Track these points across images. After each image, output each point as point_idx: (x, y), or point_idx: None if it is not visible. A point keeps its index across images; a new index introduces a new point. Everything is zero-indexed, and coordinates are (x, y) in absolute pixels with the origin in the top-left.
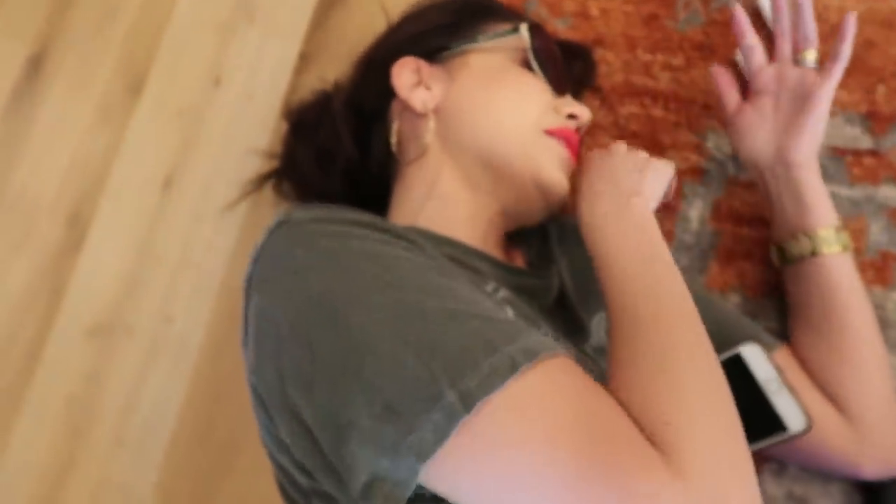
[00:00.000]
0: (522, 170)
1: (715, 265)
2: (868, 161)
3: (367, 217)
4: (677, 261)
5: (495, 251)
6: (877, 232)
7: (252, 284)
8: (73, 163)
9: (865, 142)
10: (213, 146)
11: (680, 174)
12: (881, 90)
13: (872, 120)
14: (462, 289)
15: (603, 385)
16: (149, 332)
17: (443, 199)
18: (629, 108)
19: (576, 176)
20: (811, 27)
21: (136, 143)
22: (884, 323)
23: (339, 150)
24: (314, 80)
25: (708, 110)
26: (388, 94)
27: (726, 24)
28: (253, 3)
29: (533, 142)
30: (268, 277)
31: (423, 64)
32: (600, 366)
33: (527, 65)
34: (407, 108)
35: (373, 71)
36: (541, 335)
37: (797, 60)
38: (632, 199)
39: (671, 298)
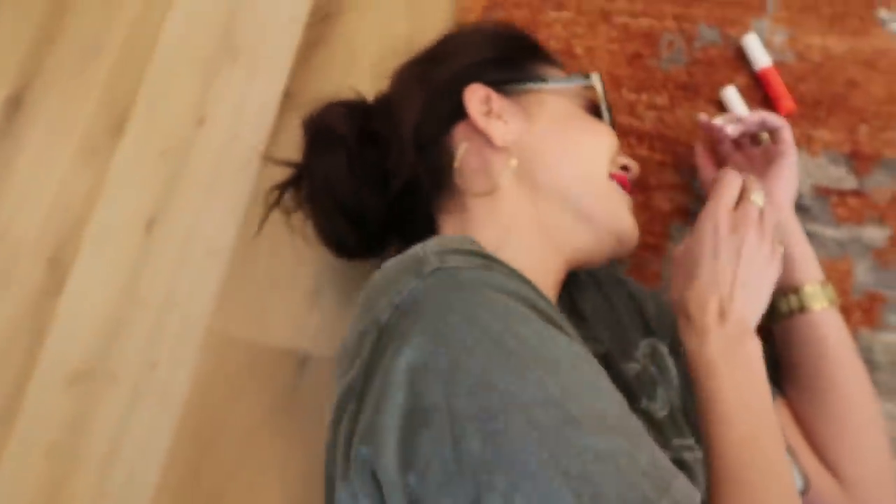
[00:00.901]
0: (601, 215)
1: None
2: (852, 201)
3: (518, 285)
4: (666, 301)
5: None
6: (862, 272)
7: (397, 336)
8: (54, 204)
9: (849, 182)
10: (198, 187)
11: (666, 215)
12: (863, 130)
13: (856, 160)
14: (609, 392)
15: None
16: (132, 379)
17: (519, 244)
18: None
19: (683, 259)
20: (757, 124)
21: (119, 184)
22: (872, 366)
23: (400, 171)
24: (298, 119)
25: (693, 150)
26: (452, 119)
27: (709, 64)
28: (236, 43)
29: (604, 184)
30: (426, 340)
31: (493, 94)
32: (658, 428)
33: (592, 111)
34: (475, 136)
35: (437, 93)
36: (684, 479)
37: (758, 140)
38: (746, 342)
39: (768, 453)
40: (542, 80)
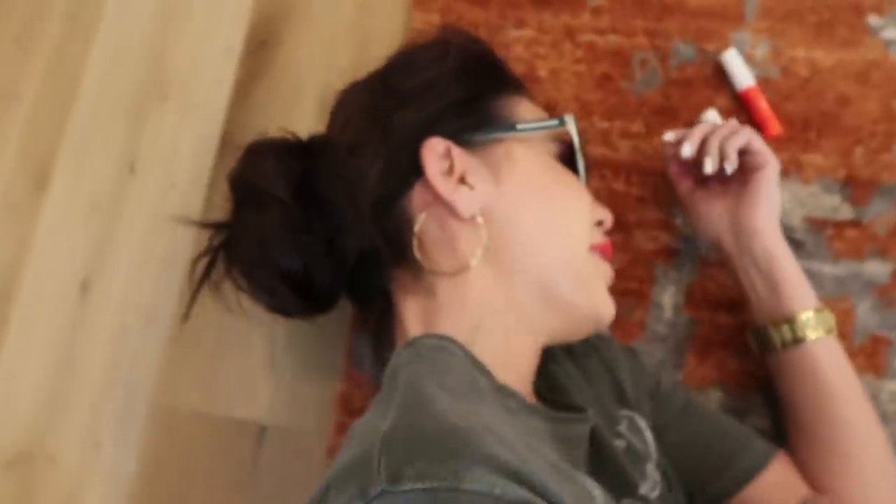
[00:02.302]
0: (576, 297)
1: (692, 358)
2: (850, 233)
3: (505, 468)
4: (650, 353)
5: (528, 393)
6: (865, 313)
7: None
8: None
9: (846, 211)
10: (133, 243)
11: (650, 256)
12: (859, 152)
13: (852, 186)
14: None
15: None
16: (75, 461)
17: (491, 330)
18: (589, 184)
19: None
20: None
21: (47, 244)
22: (879, 416)
23: (354, 241)
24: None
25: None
26: (409, 177)
27: (687, 84)
28: (166, 79)
29: (583, 262)
30: None
31: (453, 148)
32: None
33: (562, 158)
34: (436, 201)
35: (396, 147)
36: None
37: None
38: None
39: None
40: (511, 125)
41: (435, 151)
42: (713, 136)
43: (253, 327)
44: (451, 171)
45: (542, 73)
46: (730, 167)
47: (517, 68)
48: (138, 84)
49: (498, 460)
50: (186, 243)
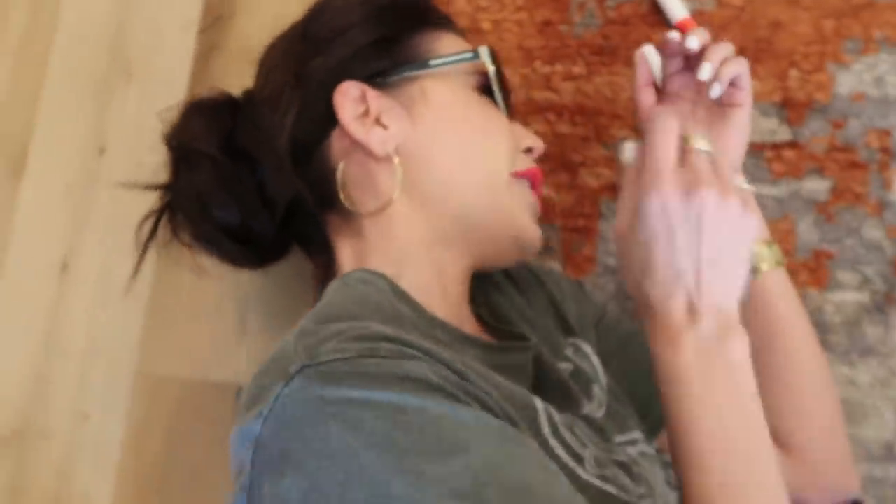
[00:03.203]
0: (497, 224)
1: None
2: (788, 154)
3: (411, 346)
4: (603, 287)
5: (467, 318)
6: (806, 230)
7: (273, 459)
8: None
9: (783, 133)
10: (106, 222)
11: (595, 192)
12: (794, 74)
13: (788, 108)
14: (528, 461)
15: None
16: (64, 435)
17: (417, 262)
18: (534, 127)
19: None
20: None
21: (26, 227)
22: (823, 328)
23: (280, 192)
24: None
25: (617, 120)
26: (327, 124)
27: (624, 23)
28: (128, 59)
29: (504, 190)
30: (307, 462)
31: (368, 90)
32: (600, 430)
33: (483, 90)
34: (354, 145)
35: (310, 96)
36: None
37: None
38: (727, 339)
39: (756, 470)
40: (424, 62)
41: (349, 95)
42: (714, 51)
43: (225, 293)
44: (366, 113)
45: (485, 25)
46: (717, 91)
47: (461, 22)
48: (102, 65)
49: (407, 339)
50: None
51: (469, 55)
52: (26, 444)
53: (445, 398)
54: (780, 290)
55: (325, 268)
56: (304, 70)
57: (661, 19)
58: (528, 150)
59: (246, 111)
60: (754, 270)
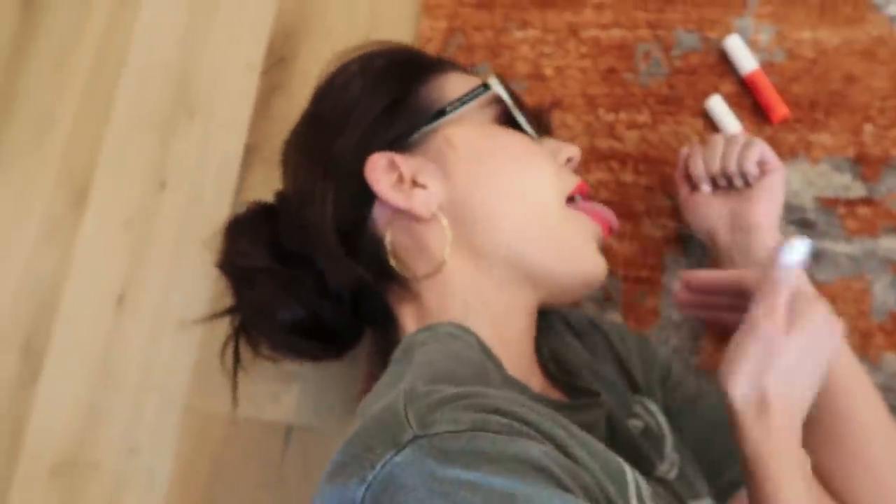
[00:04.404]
0: (555, 257)
1: (707, 344)
2: (863, 211)
3: (520, 420)
4: (666, 340)
5: (534, 371)
6: (882, 290)
7: None
8: (21, 289)
9: (857, 189)
10: (164, 256)
11: (659, 243)
12: (869, 129)
13: (863, 164)
14: None
15: None
16: (114, 467)
17: (479, 316)
18: (596, 175)
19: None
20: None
21: (85, 259)
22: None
23: (341, 282)
24: (262, 174)
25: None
26: (365, 200)
27: (691, 73)
28: (192, 97)
29: (558, 220)
30: None
31: (395, 156)
32: (673, 491)
33: (503, 119)
34: (397, 214)
35: (344, 179)
36: None
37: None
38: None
39: None
40: (441, 112)
41: (378, 167)
42: (729, 153)
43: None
44: (400, 179)
45: (548, 71)
46: (752, 179)
47: (523, 69)
48: (166, 103)
49: (517, 413)
50: (214, 254)
51: (481, 90)
52: (76, 474)
53: (554, 485)
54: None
55: (384, 330)
56: (328, 156)
57: (728, 69)
58: (568, 161)
59: (286, 215)
60: None
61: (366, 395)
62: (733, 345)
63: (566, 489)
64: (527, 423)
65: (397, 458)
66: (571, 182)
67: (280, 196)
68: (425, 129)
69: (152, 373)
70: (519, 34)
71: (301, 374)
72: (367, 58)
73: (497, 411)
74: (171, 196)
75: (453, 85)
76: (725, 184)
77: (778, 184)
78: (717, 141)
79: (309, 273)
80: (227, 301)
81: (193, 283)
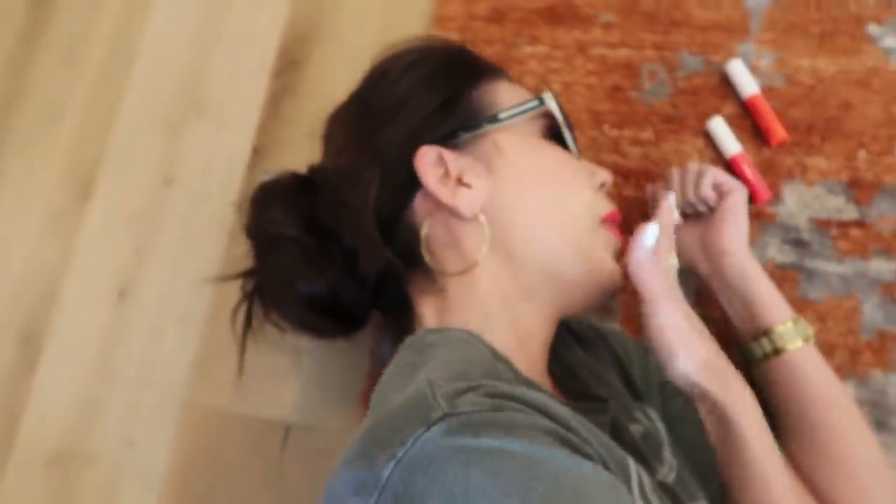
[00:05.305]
0: (584, 271)
1: None
2: (855, 233)
3: (530, 415)
4: None
5: (544, 377)
6: (871, 310)
7: (408, 499)
8: (22, 279)
9: (850, 212)
10: (168, 252)
11: None
12: (862, 155)
13: (856, 188)
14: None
15: None
16: (111, 459)
17: (499, 320)
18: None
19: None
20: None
21: (88, 253)
22: (886, 410)
23: (370, 263)
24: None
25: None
26: (408, 190)
27: (694, 93)
28: (201, 97)
29: (590, 236)
30: (449, 501)
31: (444, 152)
32: (673, 495)
33: (548, 134)
34: (438, 208)
35: (390, 166)
36: None
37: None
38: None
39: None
40: (494, 117)
41: (428, 160)
42: (686, 182)
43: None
44: (446, 175)
45: (556, 86)
46: (712, 203)
47: (531, 83)
48: (176, 101)
49: (530, 400)
50: (218, 252)
51: (536, 103)
52: (71, 466)
53: (570, 450)
54: (812, 368)
55: (397, 320)
56: (377, 143)
57: (730, 92)
58: (602, 186)
59: (327, 191)
60: (780, 351)
61: (367, 394)
62: (653, 337)
63: (581, 454)
64: (539, 408)
65: (428, 434)
66: (606, 207)
67: (319, 170)
68: (477, 131)
69: (152, 367)
70: (528, 49)
71: (301, 372)
72: (423, 52)
73: (513, 398)
74: (176, 193)
75: (505, 92)
76: (692, 212)
77: (739, 205)
78: (673, 173)
79: (339, 251)
80: (230, 298)
81: (195, 281)
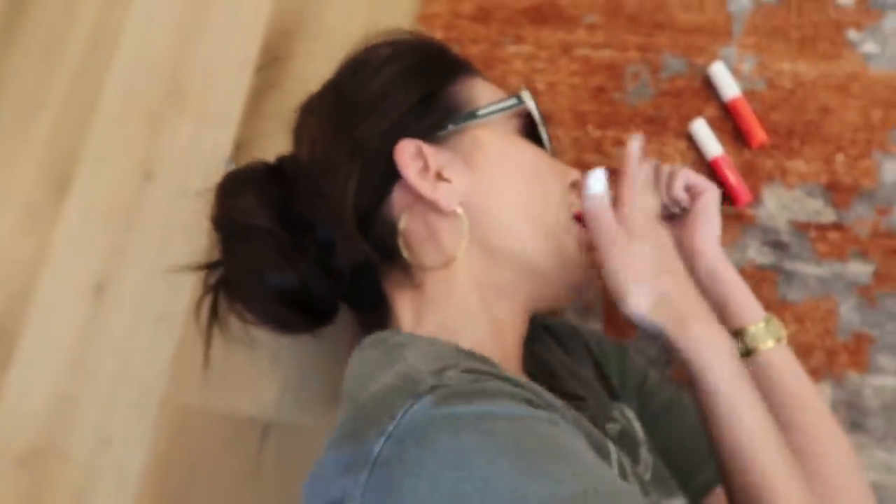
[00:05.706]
0: (558, 267)
1: None
2: (833, 235)
3: (511, 388)
4: (644, 351)
5: (520, 374)
6: (847, 311)
7: (401, 467)
8: None
9: (828, 215)
10: (147, 247)
11: None
12: (840, 159)
13: (834, 191)
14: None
15: None
16: (85, 458)
17: (476, 315)
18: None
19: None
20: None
21: (64, 248)
22: (861, 411)
23: (345, 255)
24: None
25: None
26: (386, 185)
27: (676, 96)
28: (183, 91)
29: (564, 233)
30: (445, 466)
31: (424, 146)
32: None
33: (524, 132)
34: (417, 201)
35: (370, 160)
36: None
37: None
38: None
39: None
40: (473, 113)
41: (408, 153)
42: (657, 183)
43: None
44: (426, 169)
45: (540, 86)
46: (684, 204)
47: (515, 83)
48: (157, 95)
49: (510, 379)
50: (197, 248)
51: (515, 100)
52: (46, 464)
53: (549, 412)
54: (783, 366)
55: (372, 316)
56: (356, 136)
57: (712, 94)
58: (574, 185)
59: (303, 182)
60: (752, 351)
61: None
62: (606, 282)
63: (559, 419)
64: (516, 382)
65: (417, 406)
66: (575, 202)
67: (291, 160)
68: (456, 126)
69: (129, 364)
70: (513, 49)
71: (280, 370)
72: (402, 45)
73: (489, 375)
74: (156, 188)
75: (482, 90)
76: (667, 213)
77: (711, 205)
78: (644, 176)
79: (313, 243)
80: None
81: (174, 277)
